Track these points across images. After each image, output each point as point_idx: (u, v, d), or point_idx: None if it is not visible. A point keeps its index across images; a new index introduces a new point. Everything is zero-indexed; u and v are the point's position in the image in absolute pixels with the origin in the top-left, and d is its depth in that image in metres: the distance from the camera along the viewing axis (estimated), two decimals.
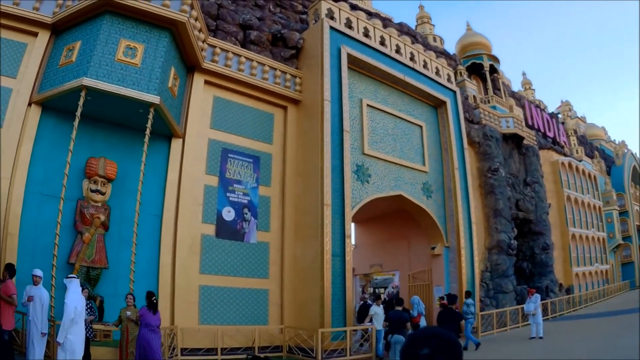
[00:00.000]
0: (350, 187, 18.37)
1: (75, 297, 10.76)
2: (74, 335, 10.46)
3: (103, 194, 15.09)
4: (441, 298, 18.19)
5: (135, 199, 14.38)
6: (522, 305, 21.99)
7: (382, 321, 16.14)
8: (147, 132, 14.64)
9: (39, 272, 11.40)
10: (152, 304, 12.05)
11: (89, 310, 12.03)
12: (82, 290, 11.69)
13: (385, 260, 26.64)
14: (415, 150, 22.04)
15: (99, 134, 15.78)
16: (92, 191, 14.90)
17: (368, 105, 20.70)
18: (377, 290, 26.83)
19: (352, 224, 29.72)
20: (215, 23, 19.89)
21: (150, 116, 14.67)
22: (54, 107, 15.05)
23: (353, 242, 32.43)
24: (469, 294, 18.64)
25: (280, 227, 18.59)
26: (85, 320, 11.29)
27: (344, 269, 17.33)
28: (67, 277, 11.27)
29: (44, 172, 14.42)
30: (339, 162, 18.31)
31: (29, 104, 14.81)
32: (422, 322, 18.91)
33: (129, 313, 11.85)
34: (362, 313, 18.84)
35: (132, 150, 15.20)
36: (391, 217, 24.86)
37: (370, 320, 16.92)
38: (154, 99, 14.53)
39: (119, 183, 15.48)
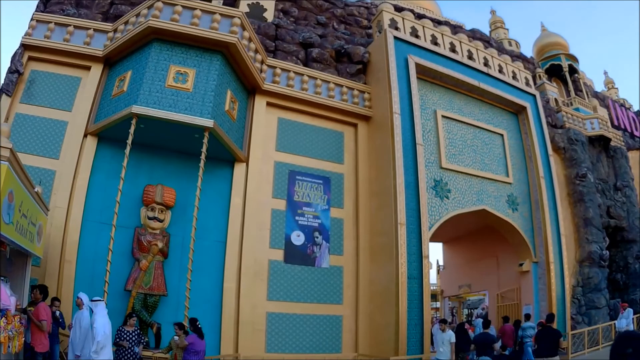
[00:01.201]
0: (426, 204, 16.64)
1: (103, 321, 10.16)
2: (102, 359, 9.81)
3: (161, 221, 14.36)
4: (538, 324, 16.03)
5: (197, 226, 13.51)
6: (614, 321, 19.41)
7: (442, 346, 13.95)
8: (202, 156, 13.82)
9: (81, 296, 11.03)
10: (198, 329, 11.16)
11: (136, 337, 11.19)
12: (131, 318, 11.23)
13: (474, 280, 24.44)
14: (498, 161, 19.91)
15: (158, 162, 15.31)
16: (150, 218, 14.23)
17: (443, 116, 18.95)
18: (471, 311, 24.98)
19: (440, 244, 28.03)
20: (274, 44, 18.93)
21: (205, 140, 13.89)
22: (109, 137, 14.78)
23: (441, 263, 30.67)
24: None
25: (355, 250, 17.08)
26: (138, 352, 10.92)
27: (421, 292, 15.50)
28: (93, 300, 10.65)
29: (101, 200, 14.05)
30: (414, 178, 16.66)
31: (85, 135, 14.75)
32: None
33: (176, 338, 10.95)
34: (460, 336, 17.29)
35: (193, 177, 14.14)
36: (478, 234, 22.71)
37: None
38: (208, 122, 13.79)
39: (179, 210, 14.77)
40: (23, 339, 8.76)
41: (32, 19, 15.81)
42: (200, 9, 14.79)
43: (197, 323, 11.25)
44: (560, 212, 20.27)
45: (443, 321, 13.86)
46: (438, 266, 32.03)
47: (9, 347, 7.77)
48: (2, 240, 8.20)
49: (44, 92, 15.23)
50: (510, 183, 19.71)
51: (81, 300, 10.89)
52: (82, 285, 12.66)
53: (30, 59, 15.43)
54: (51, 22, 15.76)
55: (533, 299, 18.97)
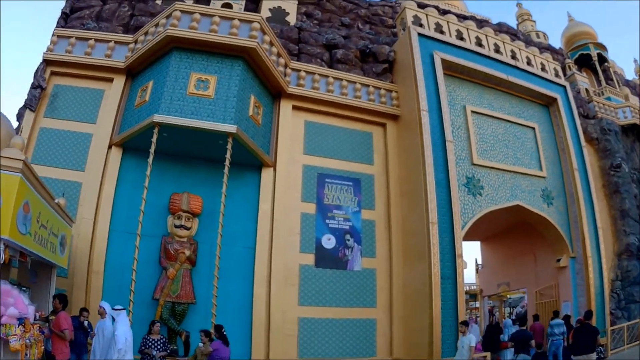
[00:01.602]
0: (458, 201, 16.06)
1: (125, 329, 10.10)
2: None
3: (188, 229, 14.15)
4: (577, 321, 15.40)
5: (225, 232, 13.38)
6: None
7: (462, 349, 13.06)
8: (227, 163, 13.57)
9: (103, 305, 10.85)
10: (223, 336, 10.91)
11: (161, 345, 11.11)
12: (154, 325, 11.21)
13: (513, 278, 23.58)
14: (530, 155, 19.16)
15: (184, 170, 15.13)
16: (176, 227, 14.05)
17: (473, 111, 18.33)
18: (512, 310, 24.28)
19: (477, 243, 27.30)
20: (297, 47, 18.64)
21: (229, 147, 13.63)
22: (133, 147, 14.68)
23: (480, 262, 29.91)
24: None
25: (388, 252, 16.58)
26: (156, 355, 10.87)
27: (455, 292, 14.91)
28: (115, 309, 10.51)
29: (128, 210, 13.88)
30: (444, 175, 16.09)
31: (110, 147, 14.72)
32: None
33: (201, 345, 10.69)
34: (490, 334, 16.90)
35: (219, 184, 13.83)
36: (514, 231, 21.92)
37: None
38: (230, 128, 13.57)
39: (207, 217, 14.48)
40: (43, 347, 8.65)
41: (53, 35, 15.87)
42: (219, 16, 14.61)
43: (223, 330, 11.00)
44: (596, 205, 19.37)
45: (464, 323, 13.12)
46: (477, 265, 31.24)
47: (26, 354, 7.69)
48: (21, 251, 8.19)
49: (67, 106, 15.25)
50: (544, 177, 18.91)
51: (103, 309, 10.71)
52: (110, 295, 12.51)
53: (52, 73, 15.48)
54: (72, 37, 15.79)
55: (571, 295, 18.19)
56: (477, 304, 30.84)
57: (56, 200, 9.84)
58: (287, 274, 14.98)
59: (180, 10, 14.51)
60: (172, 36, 14.08)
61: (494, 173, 17.72)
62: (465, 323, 13.06)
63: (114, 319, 10.31)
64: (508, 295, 24.80)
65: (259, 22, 14.84)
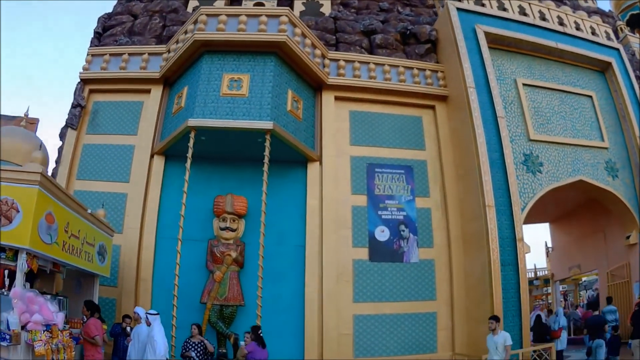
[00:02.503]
0: (516, 181, 15.30)
1: (162, 334, 10.36)
2: None
3: (234, 230, 14.26)
4: (636, 304, 14.58)
5: (273, 231, 13.79)
6: None
7: (496, 352, 11.57)
8: (266, 160, 13.64)
9: (137, 310, 11.26)
10: (259, 337, 10.90)
11: (201, 348, 11.31)
12: (192, 327, 11.48)
13: (583, 259, 22.35)
14: (590, 125, 18.03)
15: (227, 172, 15.36)
16: (222, 229, 14.20)
17: (524, 84, 17.47)
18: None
19: (547, 225, 26.32)
20: (334, 37, 18.36)
21: (267, 144, 13.66)
22: (175, 154, 14.91)
23: (550, 244, 28.85)
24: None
25: (446, 241, 15.99)
26: (194, 357, 11.09)
27: (517, 279, 14.23)
28: (149, 314, 10.67)
29: (174, 217, 13.91)
30: (499, 154, 15.43)
31: (152, 156, 15.17)
32: (563, 336, 16.43)
33: (242, 344, 10.97)
34: (537, 329, 16.19)
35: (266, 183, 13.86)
36: (581, 209, 20.84)
37: None
38: (267, 125, 13.63)
39: (254, 218, 14.32)
40: (73, 352, 8.87)
41: (87, 54, 16.44)
42: (246, 14, 14.69)
43: (259, 331, 10.96)
44: None
45: (494, 318, 11.69)
46: (547, 249, 30.16)
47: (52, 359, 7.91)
48: (54, 261, 8.57)
49: (108, 121, 15.81)
50: (606, 148, 17.68)
51: (138, 315, 10.99)
52: (158, 301, 13.11)
53: (91, 91, 16.13)
54: (106, 54, 16.35)
55: None
56: (549, 290, 29.78)
57: (89, 211, 10.16)
58: (340, 270, 14.72)
59: (207, 14, 14.68)
60: (200, 40, 14.29)
61: (553, 148, 16.86)
62: (496, 318, 11.76)
63: (149, 324, 10.53)
64: (582, 278, 23.71)
65: (287, 15, 14.75)
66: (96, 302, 11.11)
